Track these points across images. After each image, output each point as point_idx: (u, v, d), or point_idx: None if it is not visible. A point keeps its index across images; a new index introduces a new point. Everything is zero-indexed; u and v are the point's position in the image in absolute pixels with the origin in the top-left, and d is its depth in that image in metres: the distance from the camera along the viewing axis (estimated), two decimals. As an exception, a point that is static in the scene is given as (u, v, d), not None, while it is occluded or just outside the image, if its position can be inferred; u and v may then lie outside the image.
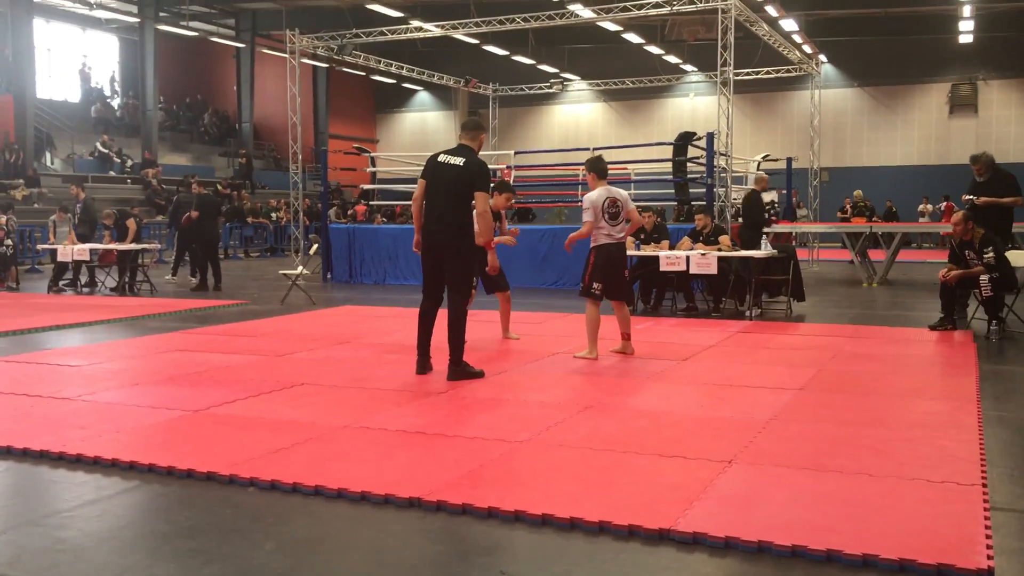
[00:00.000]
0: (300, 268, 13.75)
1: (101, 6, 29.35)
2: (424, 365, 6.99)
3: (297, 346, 8.54)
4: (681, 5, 17.38)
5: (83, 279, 15.41)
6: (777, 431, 5.24)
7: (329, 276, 16.84)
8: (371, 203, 24.05)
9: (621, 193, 7.82)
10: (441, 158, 6.93)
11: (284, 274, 13.60)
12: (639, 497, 4.01)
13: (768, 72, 25.66)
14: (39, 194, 24.62)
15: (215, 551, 3.53)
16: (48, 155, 29.07)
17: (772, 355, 8.08)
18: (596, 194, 7.71)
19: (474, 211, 6.81)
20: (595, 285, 7.69)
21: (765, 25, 18.85)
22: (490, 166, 24.77)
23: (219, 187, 15.07)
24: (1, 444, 4.93)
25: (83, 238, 15.55)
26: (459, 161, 6.82)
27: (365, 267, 16.48)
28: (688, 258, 10.73)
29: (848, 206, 25.02)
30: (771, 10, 25.22)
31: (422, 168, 7.07)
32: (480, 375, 6.81)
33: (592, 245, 7.78)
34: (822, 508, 3.88)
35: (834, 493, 4.09)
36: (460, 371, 6.77)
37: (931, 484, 4.21)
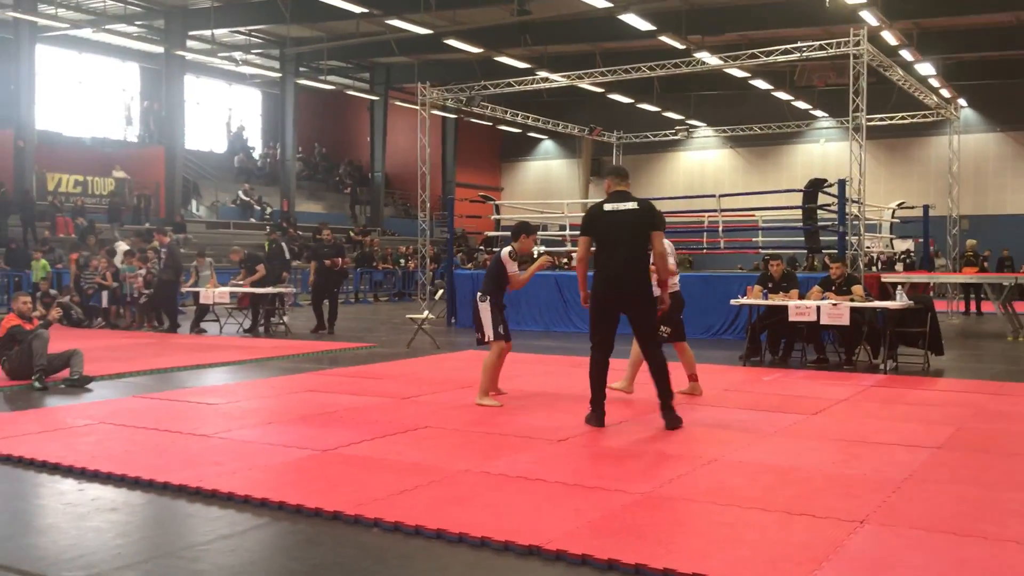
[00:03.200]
0: (426, 313, 14.03)
1: (247, 63, 31.08)
2: (602, 418, 6.83)
3: (422, 389, 8.70)
4: (811, 51, 17.09)
5: (222, 321, 16.13)
6: (913, 491, 5.00)
7: (453, 321, 17.11)
8: (495, 250, 24.40)
9: None
10: (607, 208, 6.84)
11: (411, 318, 13.90)
12: (764, 555, 3.89)
13: (903, 117, 24.84)
14: (185, 240, 26.04)
15: (339, 590, 3.61)
16: (194, 203, 30.81)
17: (908, 411, 7.73)
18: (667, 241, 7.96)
19: (653, 252, 6.78)
20: (664, 328, 7.87)
21: (900, 70, 18.31)
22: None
23: (324, 234, 15.52)
24: (143, 477, 5.19)
25: (167, 284, 15.39)
26: (632, 206, 6.81)
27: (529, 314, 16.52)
28: (819, 308, 10.43)
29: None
30: (906, 54, 24.53)
31: (583, 224, 7.01)
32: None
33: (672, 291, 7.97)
34: (963, 575, 3.67)
35: (975, 560, 3.86)
36: (676, 417, 6.76)
37: (1085, 555, 3.92)
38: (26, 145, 24.44)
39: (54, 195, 25.36)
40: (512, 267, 7.93)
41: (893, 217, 21.33)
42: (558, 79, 21.21)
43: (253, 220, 31.03)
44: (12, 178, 24.01)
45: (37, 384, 8.84)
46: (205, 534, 4.37)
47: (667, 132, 30.28)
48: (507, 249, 8.05)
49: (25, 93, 24.55)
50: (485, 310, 7.80)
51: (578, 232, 7.19)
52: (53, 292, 16.45)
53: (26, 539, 4.31)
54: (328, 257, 15.08)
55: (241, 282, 15.19)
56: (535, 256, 9.46)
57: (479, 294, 7.89)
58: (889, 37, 22.98)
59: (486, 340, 7.81)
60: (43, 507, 4.93)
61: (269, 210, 31.68)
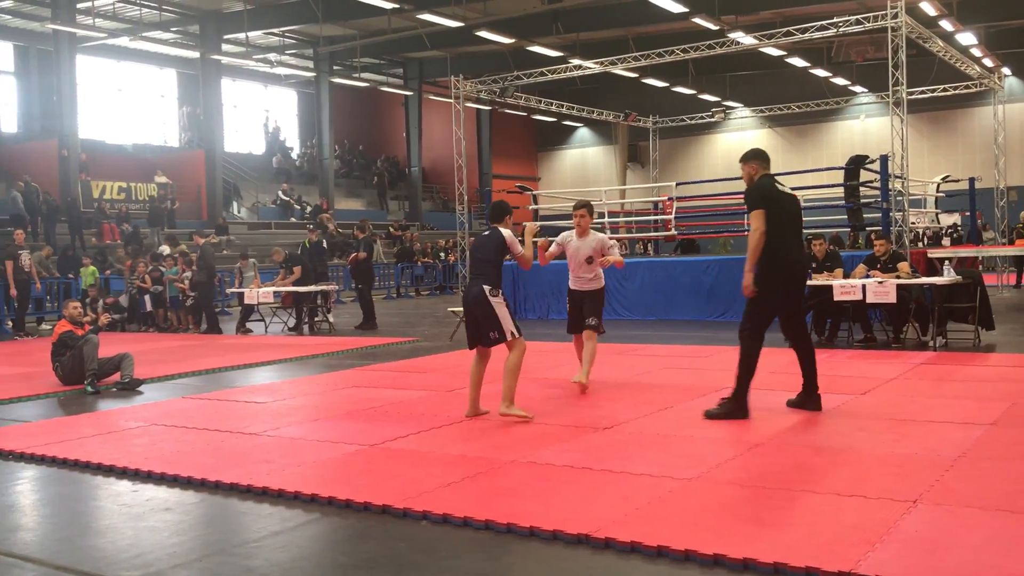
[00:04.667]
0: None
1: (281, 63, 31.37)
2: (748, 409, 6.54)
3: (465, 381, 8.68)
4: (847, 27, 16.81)
5: (267, 320, 16.33)
6: (966, 469, 4.91)
7: (495, 312, 17.11)
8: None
9: None
10: (778, 187, 6.57)
11: (452, 311, 13.96)
12: (816, 538, 3.85)
13: (945, 89, 24.36)
14: (228, 241, 26.37)
15: (391, 583, 3.65)
16: (235, 204, 31.18)
17: (959, 388, 7.59)
18: None
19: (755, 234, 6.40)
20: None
21: (940, 41, 17.95)
22: (653, 198, 24.53)
23: (354, 230, 15.97)
24: (196, 477, 5.28)
25: (201, 286, 15.64)
26: (789, 191, 6.65)
27: (529, 302, 16.66)
28: (864, 286, 10.27)
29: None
30: (946, 24, 24.03)
31: (759, 197, 6.45)
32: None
33: (603, 284, 8.04)
34: (1020, 554, 3.60)
35: (1034, 538, 3.79)
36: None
37: None
38: (70, 154, 24.90)
39: (99, 201, 25.83)
40: (518, 247, 6.92)
41: (938, 191, 20.95)
42: (591, 66, 21.12)
43: (293, 219, 31.34)
44: (58, 187, 24.50)
45: (89, 388, 9.02)
46: (257, 531, 4.43)
47: (703, 114, 30.03)
48: (508, 231, 6.90)
49: (67, 103, 25.01)
50: (500, 305, 6.65)
51: (749, 206, 6.52)
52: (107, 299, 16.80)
53: (85, 540, 4.40)
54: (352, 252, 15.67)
55: (281, 282, 15.39)
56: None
57: (488, 288, 6.62)
58: (928, 7, 22.53)
59: (509, 338, 6.64)
60: (100, 508, 5.03)
61: (308, 208, 31.97)
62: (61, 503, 5.19)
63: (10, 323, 16.67)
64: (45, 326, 17.50)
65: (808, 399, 6.69)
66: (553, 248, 8.04)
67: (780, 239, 6.42)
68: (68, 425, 7.40)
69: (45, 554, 4.19)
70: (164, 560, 4.00)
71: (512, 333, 6.62)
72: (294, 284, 15.23)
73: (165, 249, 19.01)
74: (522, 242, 7.14)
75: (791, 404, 6.73)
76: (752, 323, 6.58)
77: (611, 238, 8.31)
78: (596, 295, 8.01)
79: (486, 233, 7.01)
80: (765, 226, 6.36)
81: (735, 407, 6.48)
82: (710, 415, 6.49)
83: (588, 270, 7.94)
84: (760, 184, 6.56)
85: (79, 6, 25.22)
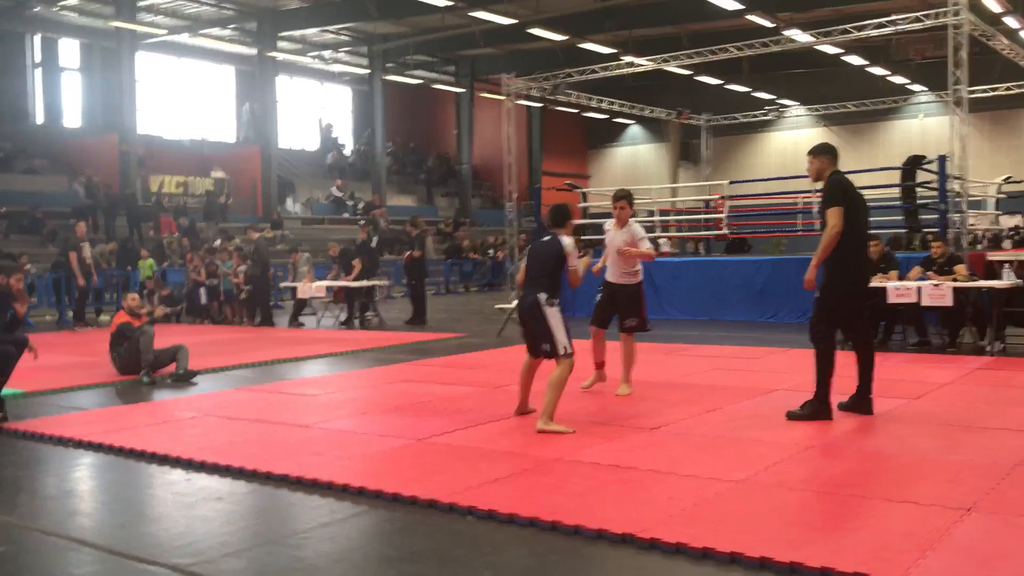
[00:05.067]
0: (515, 302, 14.08)
1: (336, 61, 31.69)
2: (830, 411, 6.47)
3: (512, 378, 8.70)
4: (907, 24, 16.49)
5: (319, 314, 16.54)
6: (1023, 478, 4.80)
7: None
8: (582, 238, 24.33)
9: None
10: (853, 186, 6.45)
11: (500, 308, 13.99)
12: (865, 544, 3.80)
13: (1008, 88, 23.77)
14: (282, 236, 26.73)
15: (436, 577, 3.68)
16: (289, 200, 31.59)
17: (1017, 394, 7.42)
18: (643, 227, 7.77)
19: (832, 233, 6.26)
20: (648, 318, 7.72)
21: (1004, 39, 17.52)
22: (704, 197, 24.29)
23: (407, 227, 16.33)
24: (247, 468, 5.37)
25: (255, 280, 15.83)
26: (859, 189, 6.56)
27: (577, 300, 16.56)
28: (920, 289, 10.08)
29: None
30: (1011, 21, 23.43)
31: (840, 194, 6.30)
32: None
33: (640, 280, 7.79)
34: (1078, 565, 3.52)
35: (1093, 549, 3.69)
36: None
37: None
38: (130, 149, 25.45)
39: (157, 195, 26.37)
40: (574, 260, 6.55)
41: (999, 192, 20.44)
42: (643, 63, 21.01)
43: (346, 215, 31.65)
44: (118, 181, 25.06)
45: (145, 379, 9.22)
46: (306, 522, 4.50)
47: (757, 112, 29.71)
48: (568, 239, 6.56)
49: (128, 99, 25.56)
50: (555, 315, 6.38)
51: (828, 202, 6.30)
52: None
53: (139, 527, 4.51)
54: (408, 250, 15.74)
55: (343, 279, 15.61)
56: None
57: (544, 296, 6.38)
58: (992, 3, 21.99)
59: (560, 354, 6.34)
60: (154, 497, 5.15)
61: (362, 204, 32.26)
62: (116, 490, 5.33)
63: (71, 313, 17.09)
64: (104, 317, 17.91)
65: (860, 402, 6.60)
66: (599, 264, 8.04)
67: (856, 238, 6.34)
68: (124, 414, 7.57)
69: (100, 539, 4.30)
70: (215, 549, 4.08)
71: (565, 348, 6.34)
72: (355, 279, 15.45)
73: (219, 243, 19.35)
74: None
75: (842, 407, 6.64)
76: (825, 323, 6.49)
77: (653, 235, 8.17)
78: (632, 292, 7.73)
79: (546, 239, 6.65)
80: (843, 224, 6.21)
81: (819, 408, 6.41)
82: (792, 416, 6.43)
83: (624, 262, 7.72)
84: (840, 180, 6.43)
85: (140, 4, 25.76)
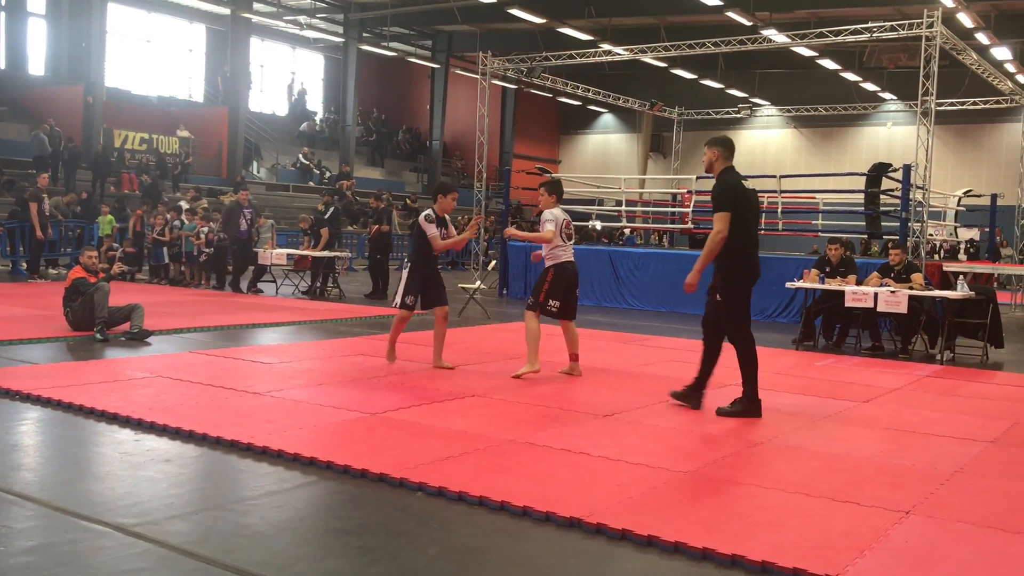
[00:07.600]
0: (478, 283, 14.08)
1: (311, 26, 31.29)
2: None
3: (470, 358, 8.77)
4: (882, 32, 16.67)
5: (278, 282, 16.41)
6: (962, 484, 4.92)
7: (505, 292, 17.17)
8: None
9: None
10: (744, 183, 6.48)
11: (463, 287, 13.99)
12: (806, 541, 3.87)
13: (975, 103, 24.15)
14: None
15: (382, 551, 3.69)
16: (255, 164, 31.21)
17: (962, 403, 7.58)
18: (558, 211, 7.91)
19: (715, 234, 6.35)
20: (552, 302, 7.74)
21: (974, 54, 17.77)
22: (671, 190, 24.39)
23: (372, 200, 16.43)
24: (197, 431, 5.34)
25: (221, 242, 15.69)
26: (749, 184, 6.58)
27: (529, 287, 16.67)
28: (876, 295, 10.25)
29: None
30: (982, 37, 23.78)
31: (729, 198, 6.28)
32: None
33: (551, 263, 7.83)
34: (1008, 572, 3.62)
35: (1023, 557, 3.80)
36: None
37: None
38: (95, 101, 24.96)
39: (120, 151, 25.90)
40: (431, 230, 7.95)
41: (959, 205, 20.80)
42: (621, 52, 21.00)
43: (312, 183, 31.35)
44: (81, 133, 24.57)
45: (99, 336, 9.10)
46: (254, 489, 4.48)
47: (730, 109, 29.85)
48: (425, 212, 8.03)
49: (95, 50, 25.03)
50: (404, 276, 8.18)
51: (717, 205, 6.34)
52: (117, 248, 16.91)
53: (84, 485, 4.46)
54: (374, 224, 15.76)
55: (308, 249, 15.57)
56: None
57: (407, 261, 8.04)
58: (965, 19, 22.30)
59: (395, 305, 8.14)
60: (101, 455, 5.09)
61: (328, 174, 31.96)
62: (63, 446, 5.26)
63: (24, 264, 16.79)
64: (53, 271, 17.61)
65: (693, 394, 6.64)
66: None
67: (747, 236, 6.39)
68: (75, 370, 7.47)
69: (44, 495, 4.25)
70: (161, 510, 4.05)
71: (397, 302, 8.15)
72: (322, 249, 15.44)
73: (184, 204, 19.06)
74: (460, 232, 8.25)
75: (675, 395, 6.69)
76: (736, 321, 6.57)
77: (564, 221, 8.05)
78: (541, 274, 7.96)
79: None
80: (731, 227, 6.23)
81: (748, 406, 6.46)
82: (722, 413, 6.47)
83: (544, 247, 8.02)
84: (730, 181, 6.38)
85: (114, -47, 25.23)
